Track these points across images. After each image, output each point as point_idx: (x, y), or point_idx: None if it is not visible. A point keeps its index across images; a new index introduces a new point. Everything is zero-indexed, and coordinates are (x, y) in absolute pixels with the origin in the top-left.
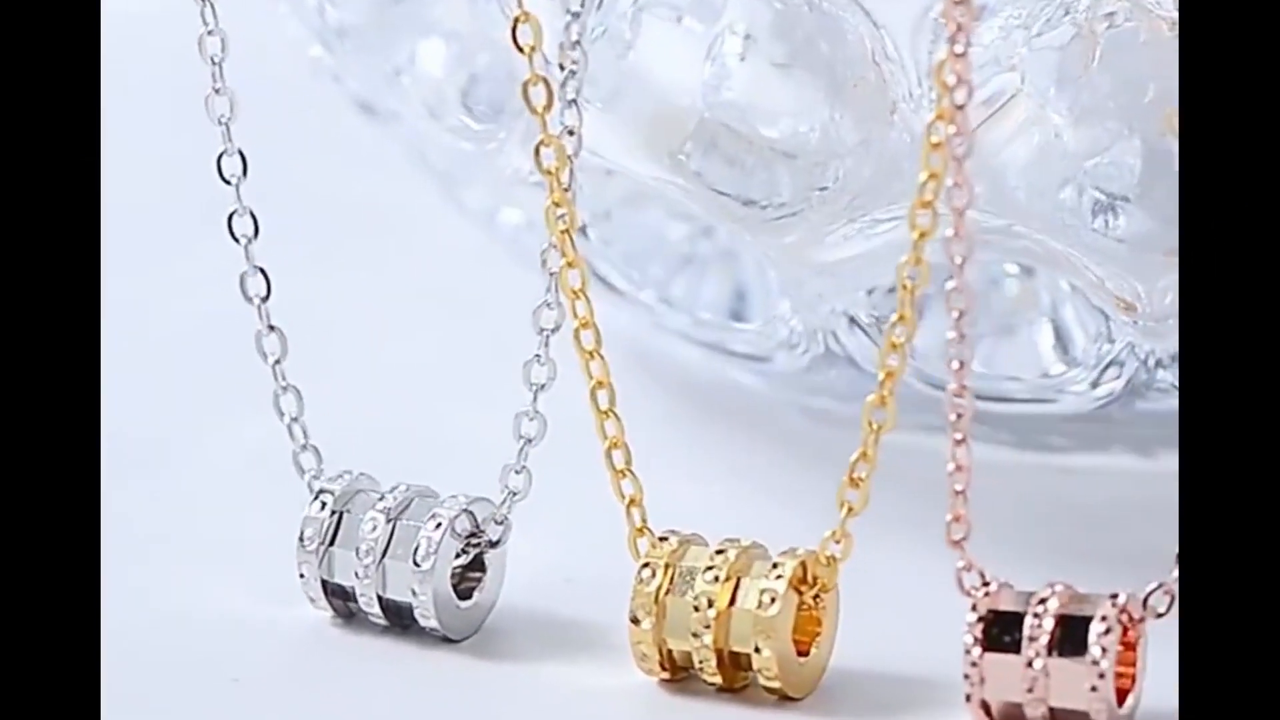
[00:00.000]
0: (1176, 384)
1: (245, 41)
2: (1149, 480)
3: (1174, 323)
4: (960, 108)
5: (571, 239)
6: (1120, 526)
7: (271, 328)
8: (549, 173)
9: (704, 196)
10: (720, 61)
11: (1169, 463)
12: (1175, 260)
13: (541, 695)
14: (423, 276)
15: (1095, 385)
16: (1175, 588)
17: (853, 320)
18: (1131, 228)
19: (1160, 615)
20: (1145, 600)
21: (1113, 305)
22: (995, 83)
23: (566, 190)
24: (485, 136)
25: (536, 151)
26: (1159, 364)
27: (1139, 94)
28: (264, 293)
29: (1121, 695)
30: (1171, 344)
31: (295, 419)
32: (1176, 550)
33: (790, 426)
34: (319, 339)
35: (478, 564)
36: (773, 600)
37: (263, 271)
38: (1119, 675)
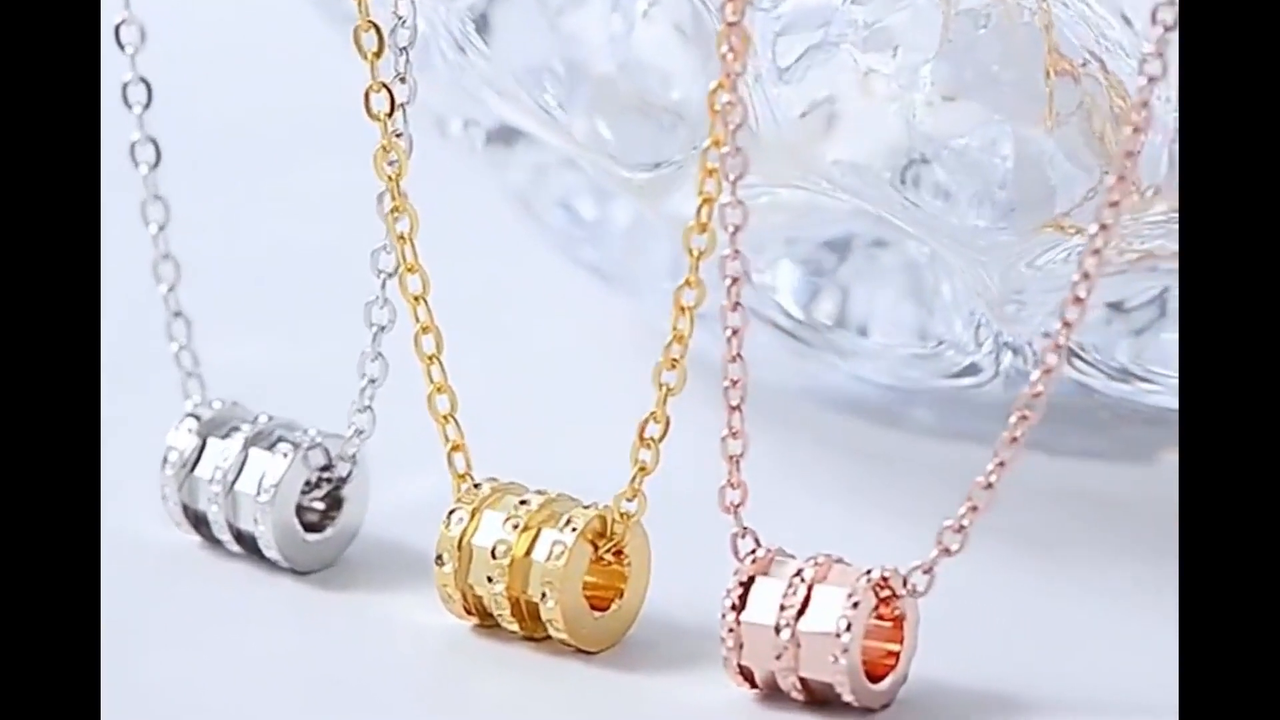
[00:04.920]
0: (1021, 370)
1: None
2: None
3: (1011, 309)
4: (734, 76)
5: (399, 185)
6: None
7: (166, 255)
8: (378, 118)
9: (597, 161)
10: (627, 19)
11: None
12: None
13: (366, 627)
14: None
15: (979, 344)
16: (936, 567)
17: None
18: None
19: (919, 594)
20: (905, 578)
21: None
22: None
23: (399, 136)
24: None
25: (366, 97)
26: (1007, 345)
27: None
28: (163, 220)
29: (885, 672)
30: (1018, 331)
31: (184, 346)
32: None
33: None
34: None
35: (335, 500)
36: (561, 552)
37: (161, 199)
38: (887, 654)
